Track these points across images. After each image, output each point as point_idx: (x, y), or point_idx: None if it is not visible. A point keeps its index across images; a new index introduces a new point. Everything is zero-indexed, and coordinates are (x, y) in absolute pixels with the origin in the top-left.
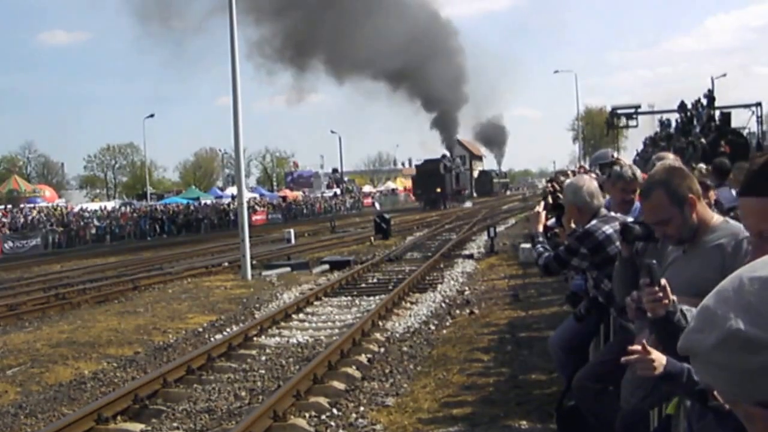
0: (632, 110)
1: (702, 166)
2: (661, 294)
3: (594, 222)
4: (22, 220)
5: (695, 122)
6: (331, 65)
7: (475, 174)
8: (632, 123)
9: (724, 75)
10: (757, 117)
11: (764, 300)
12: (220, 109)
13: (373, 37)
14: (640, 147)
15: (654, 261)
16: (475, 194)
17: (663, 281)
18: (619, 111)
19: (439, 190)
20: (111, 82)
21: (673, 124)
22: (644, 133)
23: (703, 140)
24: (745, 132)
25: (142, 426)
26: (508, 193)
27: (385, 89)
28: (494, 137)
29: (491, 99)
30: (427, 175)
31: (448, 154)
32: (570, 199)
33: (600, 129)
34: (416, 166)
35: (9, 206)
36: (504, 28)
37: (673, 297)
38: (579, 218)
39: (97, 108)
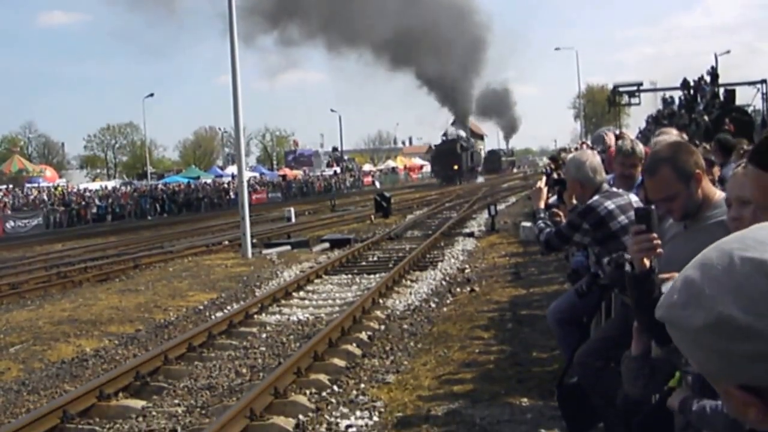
0: (634, 88)
1: (706, 145)
2: (656, 242)
3: (596, 197)
4: (23, 199)
5: (699, 100)
6: (328, 37)
7: (484, 153)
8: (634, 101)
9: (728, 52)
10: (762, 94)
11: (756, 285)
12: (219, 88)
13: (373, 7)
14: (643, 125)
15: (652, 206)
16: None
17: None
18: (620, 89)
19: (456, 167)
20: (110, 63)
21: (676, 101)
22: (646, 111)
23: (706, 118)
24: (750, 110)
25: (143, 402)
26: (515, 170)
27: (386, 66)
28: (498, 105)
29: (495, 75)
30: (445, 154)
31: (463, 134)
32: (572, 174)
33: (601, 107)
34: (435, 146)
35: (11, 186)
36: (505, 4)
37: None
38: (581, 193)
39: (96, 88)
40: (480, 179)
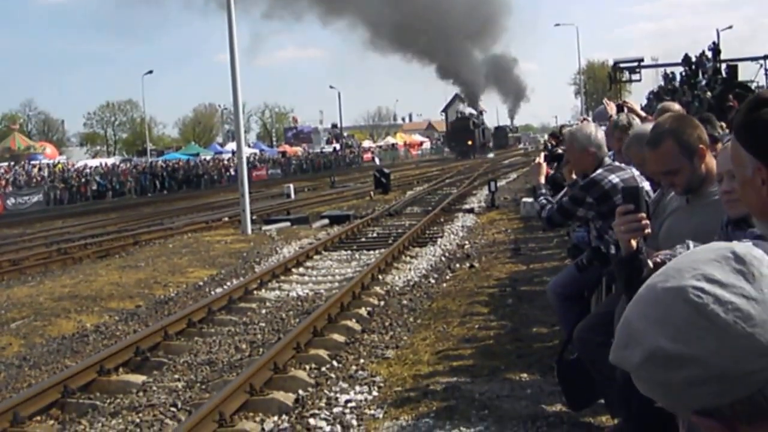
0: (635, 64)
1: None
2: (645, 222)
3: (600, 170)
4: (24, 177)
5: (701, 76)
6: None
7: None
8: (635, 77)
9: (730, 27)
10: (766, 70)
11: (679, 313)
12: (219, 65)
13: None
14: (644, 101)
15: (640, 185)
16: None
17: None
18: (621, 65)
19: (470, 143)
20: (109, 40)
21: (678, 77)
22: (648, 87)
23: (709, 93)
24: (753, 86)
25: (143, 377)
26: (520, 145)
27: (389, 45)
28: (502, 74)
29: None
30: (460, 130)
31: (475, 112)
32: (575, 147)
33: (602, 83)
34: (450, 123)
35: (11, 163)
36: None
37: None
38: (583, 167)
39: (96, 65)
40: (491, 154)
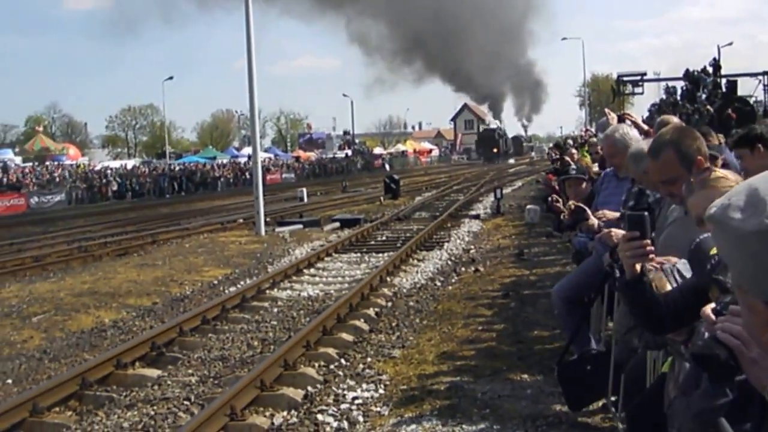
0: (638, 77)
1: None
2: (649, 248)
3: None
4: (47, 177)
5: (701, 90)
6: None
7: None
8: (638, 90)
9: (731, 44)
10: (764, 85)
11: None
12: (236, 72)
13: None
14: (646, 114)
15: (645, 213)
16: None
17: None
18: (625, 78)
19: (495, 150)
20: (132, 46)
21: (679, 91)
22: (650, 101)
23: (709, 107)
24: (752, 100)
25: (158, 372)
26: (533, 154)
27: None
28: (525, 83)
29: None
30: (487, 139)
31: (500, 125)
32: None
33: (606, 96)
34: (479, 133)
35: (35, 164)
36: None
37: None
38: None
39: (118, 70)
40: (511, 160)
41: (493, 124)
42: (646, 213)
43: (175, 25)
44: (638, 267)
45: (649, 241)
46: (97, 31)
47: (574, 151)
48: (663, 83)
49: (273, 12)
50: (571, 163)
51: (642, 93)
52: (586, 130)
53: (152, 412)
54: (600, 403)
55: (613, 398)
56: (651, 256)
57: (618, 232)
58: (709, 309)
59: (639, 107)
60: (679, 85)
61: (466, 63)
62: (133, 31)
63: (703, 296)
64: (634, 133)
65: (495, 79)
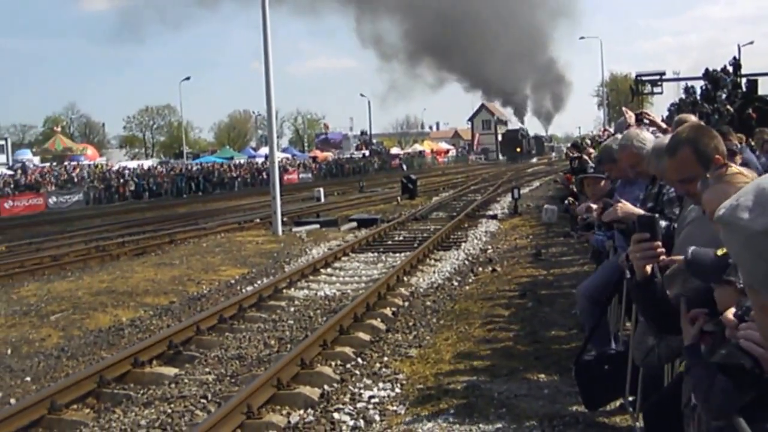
0: (657, 77)
1: (740, 135)
2: (660, 249)
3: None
4: (65, 177)
5: (721, 89)
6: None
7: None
8: (657, 90)
9: (751, 43)
10: None
11: None
12: (253, 73)
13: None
14: (666, 114)
15: (655, 214)
16: None
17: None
18: (643, 77)
19: (519, 150)
20: (148, 47)
21: (699, 91)
22: (669, 100)
23: (729, 107)
24: None
25: (176, 370)
26: (553, 154)
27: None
28: (548, 81)
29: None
30: (511, 140)
31: (523, 126)
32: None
33: (625, 95)
34: (503, 134)
35: (54, 164)
36: None
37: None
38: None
39: (136, 71)
40: (534, 159)
41: (516, 125)
42: (656, 215)
43: (189, 25)
44: (648, 268)
45: (659, 243)
46: (113, 32)
47: (592, 150)
48: (682, 83)
49: (283, 10)
50: (590, 161)
51: (661, 93)
52: (605, 130)
53: (169, 410)
54: (617, 403)
55: (630, 398)
56: (662, 258)
57: (628, 207)
58: (730, 314)
59: (658, 107)
60: (699, 84)
61: (488, 64)
62: (149, 31)
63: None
64: (647, 134)
65: (517, 79)
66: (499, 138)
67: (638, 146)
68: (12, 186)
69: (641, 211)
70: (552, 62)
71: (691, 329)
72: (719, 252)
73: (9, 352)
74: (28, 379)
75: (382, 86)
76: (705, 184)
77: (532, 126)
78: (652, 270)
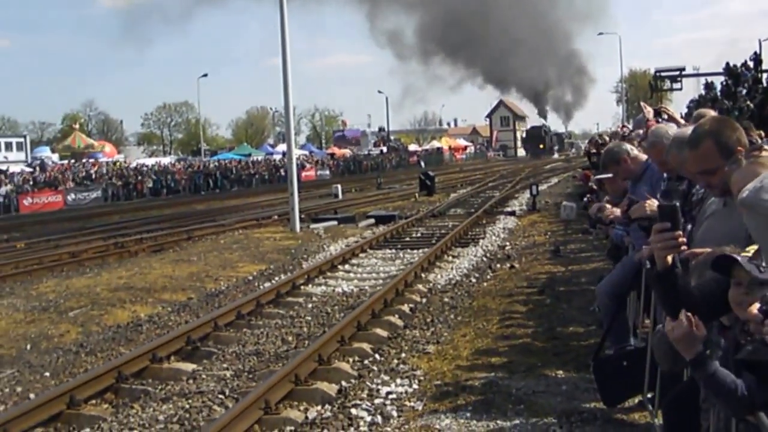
0: (676, 73)
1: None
2: (681, 240)
3: None
4: (83, 174)
5: (741, 85)
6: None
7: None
8: (676, 86)
9: None
10: None
11: None
12: (271, 69)
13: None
14: (685, 110)
15: (676, 203)
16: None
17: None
18: (663, 73)
19: (541, 146)
20: (166, 43)
21: (718, 87)
22: (689, 96)
23: (749, 103)
24: None
25: (194, 366)
26: (573, 150)
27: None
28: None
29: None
30: (534, 136)
31: (546, 123)
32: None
33: (644, 91)
34: (526, 130)
35: (72, 161)
36: None
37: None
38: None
39: (153, 68)
40: (556, 155)
41: (535, 121)
42: (677, 204)
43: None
44: (669, 258)
45: (680, 233)
46: (129, 29)
47: None
48: (702, 78)
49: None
50: None
51: (680, 89)
52: (623, 126)
53: (187, 406)
54: (636, 400)
55: (649, 395)
56: (683, 248)
57: (653, 203)
58: (755, 309)
59: (677, 103)
60: (719, 80)
61: (508, 59)
62: (166, 28)
63: None
64: (674, 129)
65: (538, 73)
66: (523, 134)
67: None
68: (31, 183)
69: (655, 203)
70: (573, 54)
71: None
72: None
73: (28, 347)
74: (47, 374)
75: (398, 89)
76: (735, 163)
77: (550, 123)
78: (672, 260)
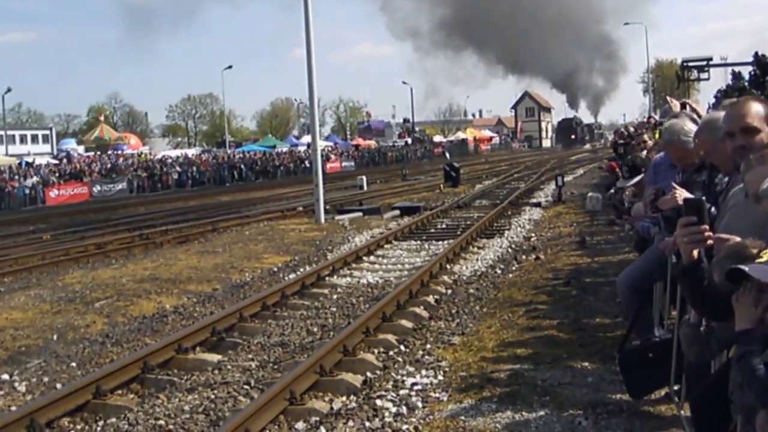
0: (704, 63)
1: None
2: (708, 233)
3: None
4: (109, 165)
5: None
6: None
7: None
8: (703, 76)
9: None
10: None
11: None
12: (295, 61)
13: None
14: (713, 100)
15: (702, 197)
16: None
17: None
18: (690, 63)
19: (573, 137)
20: (191, 35)
21: (746, 76)
22: (716, 87)
23: None
24: None
25: (219, 357)
26: (602, 140)
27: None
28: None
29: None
30: (565, 127)
31: (577, 115)
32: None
33: (671, 82)
34: (558, 122)
35: (98, 153)
36: None
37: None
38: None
39: (178, 60)
40: (587, 146)
41: (562, 113)
42: (703, 197)
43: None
44: (695, 253)
45: (707, 227)
46: (155, 21)
47: (646, 137)
48: (730, 68)
49: None
50: (644, 149)
51: (708, 79)
52: (650, 117)
53: (212, 396)
54: (662, 392)
55: (676, 387)
56: (709, 242)
57: (683, 193)
58: None
59: (705, 94)
60: (747, 70)
61: (537, 48)
62: (191, 19)
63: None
64: (692, 125)
65: (568, 61)
66: (548, 125)
67: (684, 140)
68: (57, 175)
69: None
70: (604, 39)
71: (746, 312)
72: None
73: (55, 338)
74: (74, 364)
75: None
76: (748, 166)
77: (579, 114)
78: (699, 254)
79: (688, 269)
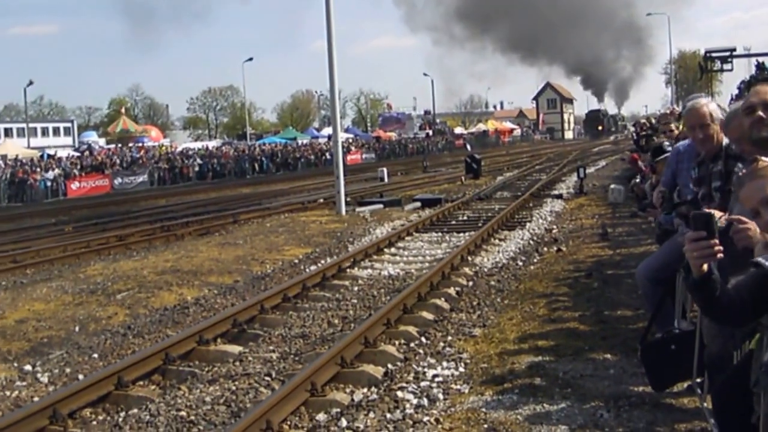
0: (727, 53)
1: None
2: (717, 248)
3: None
4: (130, 158)
5: None
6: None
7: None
8: (727, 67)
9: None
10: None
11: None
12: (316, 53)
13: None
14: (736, 92)
15: (711, 212)
16: None
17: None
18: (713, 54)
19: (600, 128)
20: (213, 27)
21: None
22: (740, 77)
23: None
24: None
25: (240, 348)
26: (626, 131)
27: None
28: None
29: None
30: (593, 119)
31: (603, 107)
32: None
33: (693, 73)
34: (586, 114)
35: (119, 145)
36: None
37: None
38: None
39: (199, 52)
40: (612, 137)
41: (586, 104)
42: (711, 212)
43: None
44: (705, 267)
45: (716, 241)
46: (176, 12)
47: (673, 126)
48: (753, 59)
49: None
50: (666, 140)
51: (731, 70)
52: (672, 109)
53: (234, 387)
54: (685, 384)
55: (698, 379)
56: (719, 256)
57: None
58: None
59: (728, 85)
60: None
61: (562, 34)
62: (212, 12)
63: None
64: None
65: (594, 48)
66: (571, 117)
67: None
68: (78, 167)
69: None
70: (631, 26)
71: None
72: None
73: (77, 329)
74: (96, 355)
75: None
76: (740, 182)
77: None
78: (709, 266)
79: (699, 282)
